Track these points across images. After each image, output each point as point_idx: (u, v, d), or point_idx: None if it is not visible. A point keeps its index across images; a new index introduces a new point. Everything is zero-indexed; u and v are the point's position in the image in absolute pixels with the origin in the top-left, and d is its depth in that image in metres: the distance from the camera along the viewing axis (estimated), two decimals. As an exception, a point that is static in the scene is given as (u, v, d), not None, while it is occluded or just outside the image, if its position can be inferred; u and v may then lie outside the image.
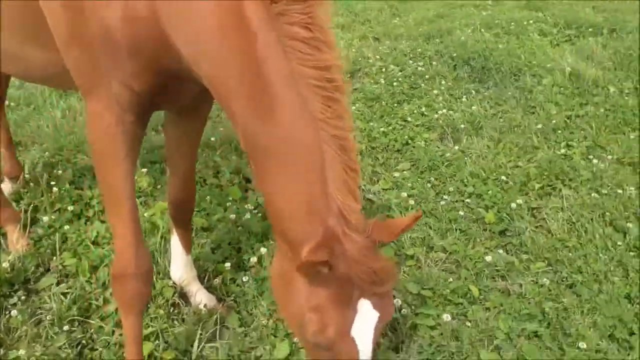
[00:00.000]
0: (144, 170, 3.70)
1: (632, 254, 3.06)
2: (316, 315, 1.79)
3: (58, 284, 2.81)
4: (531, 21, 6.98)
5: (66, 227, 3.16)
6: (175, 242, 2.74)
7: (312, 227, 1.72)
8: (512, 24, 6.92)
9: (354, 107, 4.71)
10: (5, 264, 2.86)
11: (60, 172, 3.69)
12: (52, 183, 3.50)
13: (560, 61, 5.62)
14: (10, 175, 3.67)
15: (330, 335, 1.78)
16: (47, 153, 3.99)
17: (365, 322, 1.80)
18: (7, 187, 3.58)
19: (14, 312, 2.59)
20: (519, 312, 2.67)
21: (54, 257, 2.95)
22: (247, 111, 1.73)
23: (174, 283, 2.79)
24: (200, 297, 2.76)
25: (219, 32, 1.69)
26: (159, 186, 3.58)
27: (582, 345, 2.47)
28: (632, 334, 2.56)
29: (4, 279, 2.79)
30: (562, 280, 2.90)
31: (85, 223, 3.26)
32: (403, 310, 2.64)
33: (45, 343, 2.46)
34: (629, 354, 2.48)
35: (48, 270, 2.94)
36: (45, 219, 3.20)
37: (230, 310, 2.72)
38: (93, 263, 2.89)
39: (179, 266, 2.77)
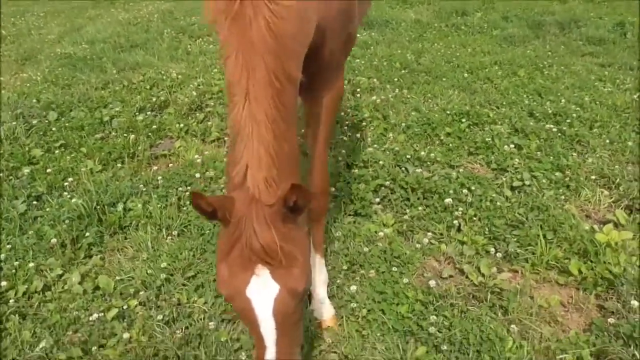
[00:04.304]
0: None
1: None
2: (220, 270, 1.78)
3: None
4: (383, 2, 11.39)
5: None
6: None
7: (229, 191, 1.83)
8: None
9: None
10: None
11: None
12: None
13: (407, 15, 9.94)
14: None
15: (227, 291, 1.78)
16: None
17: (263, 286, 1.73)
18: None
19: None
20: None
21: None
22: None
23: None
24: (320, 309, 2.77)
25: None
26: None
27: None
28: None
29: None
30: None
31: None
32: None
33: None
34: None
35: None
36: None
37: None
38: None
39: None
